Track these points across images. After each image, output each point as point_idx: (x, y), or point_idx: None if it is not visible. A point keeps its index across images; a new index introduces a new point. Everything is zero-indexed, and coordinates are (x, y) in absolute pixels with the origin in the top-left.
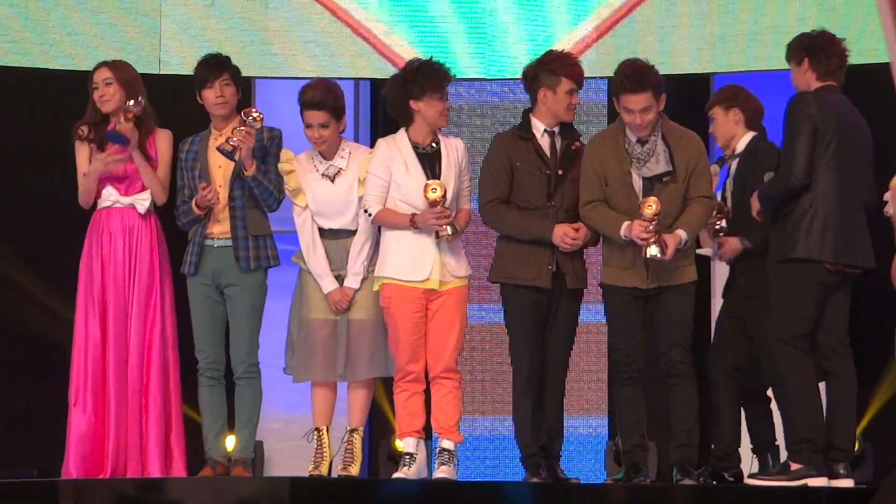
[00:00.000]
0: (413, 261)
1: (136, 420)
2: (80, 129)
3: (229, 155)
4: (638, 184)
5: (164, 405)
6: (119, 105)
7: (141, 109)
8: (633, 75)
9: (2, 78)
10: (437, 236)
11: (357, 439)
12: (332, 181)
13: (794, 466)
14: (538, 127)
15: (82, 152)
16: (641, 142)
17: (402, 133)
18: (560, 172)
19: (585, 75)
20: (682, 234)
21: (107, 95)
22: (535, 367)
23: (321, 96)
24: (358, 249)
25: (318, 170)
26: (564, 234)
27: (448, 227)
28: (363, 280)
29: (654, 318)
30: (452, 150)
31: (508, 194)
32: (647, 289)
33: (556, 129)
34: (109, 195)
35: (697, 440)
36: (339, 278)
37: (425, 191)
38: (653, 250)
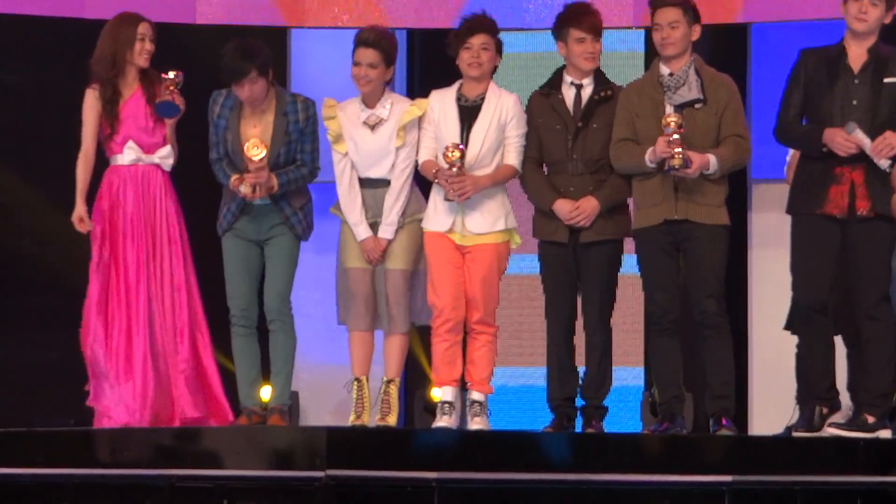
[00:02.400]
0: (439, 211)
1: (166, 373)
2: (98, 84)
3: (171, 110)
4: (670, 112)
5: (195, 354)
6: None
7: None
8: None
9: (42, 27)
10: (446, 198)
11: (393, 390)
12: (373, 130)
13: (871, 419)
14: (566, 80)
15: (92, 103)
16: (672, 74)
17: (455, 85)
18: (580, 124)
19: (623, 25)
20: (710, 157)
21: (150, 52)
22: (563, 320)
23: (376, 37)
24: (392, 200)
25: (359, 118)
26: (562, 209)
27: (455, 194)
28: (397, 230)
29: (686, 266)
30: (495, 106)
31: (539, 152)
32: (678, 222)
33: (585, 82)
34: (131, 152)
35: (733, 390)
36: (375, 226)
37: (445, 153)
38: (676, 161)
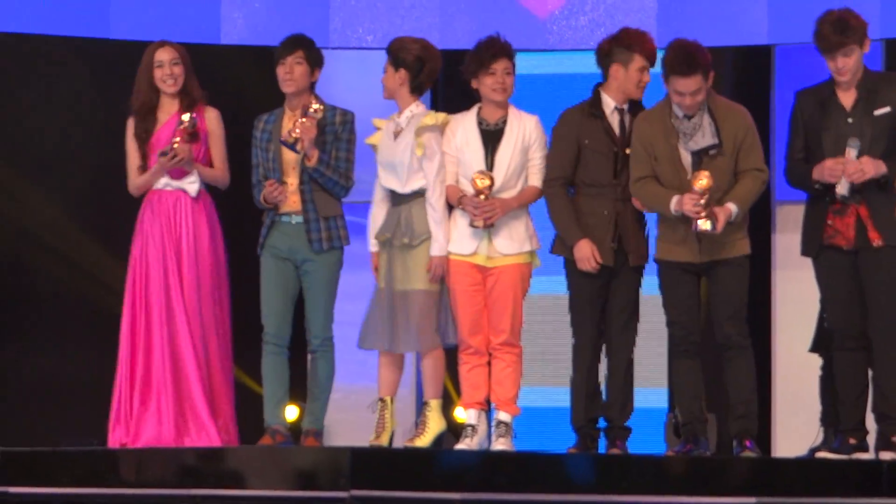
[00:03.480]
0: (463, 235)
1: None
2: (133, 115)
3: (291, 147)
4: (686, 159)
5: (210, 378)
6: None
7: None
8: (684, 59)
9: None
10: (472, 224)
11: (428, 411)
12: (395, 138)
13: None
14: (608, 104)
15: (130, 135)
16: (688, 117)
17: (474, 109)
18: (627, 151)
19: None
20: (732, 207)
21: (175, 76)
22: (591, 342)
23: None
24: (439, 217)
25: (389, 126)
26: (584, 259)
27: (481, 220)
28: (415, 250)
29: (709, 291)
30: (518, 129)
31: (573, 173)
32: (700, 263)
33: (626, 107)
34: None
35: (756, 411)
36: (387, 242)
37: (474, 180)
38: (703, 224)
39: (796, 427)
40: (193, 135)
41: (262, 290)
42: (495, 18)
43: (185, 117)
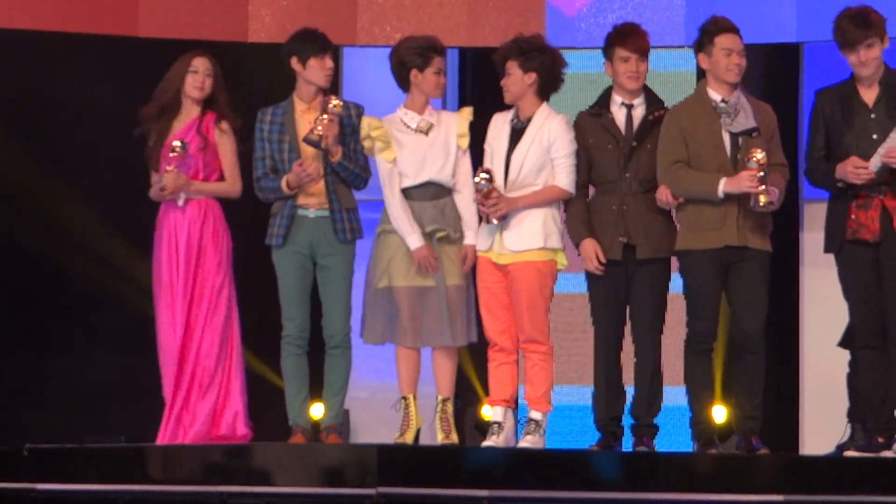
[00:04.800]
0: (482, 231)
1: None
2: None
3: (316, 144)
4: (727, 141)
5: (221, 380)
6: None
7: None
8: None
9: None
10: (485, 221)
11: (450, 408)
12: (426, 134)
13: None
14: (615, 100)
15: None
16: (725, 101)
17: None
18: (634, 143)
19: (674, 44)
20: (774, 190)
21: (205, 85)
22: (611, 338)
23: (440, 43)
24: (471, 210)
25: (408, 126)
26: (586, 258)
27: (485, 216)
28: (446, 245)
29: (732, 287)
30: (539, 127)
31: (587, 174)
32: (735, 247)
33: (636, 102)
34: None
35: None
36: (427, 236)
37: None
38: (763, 198)
39: (824, 425)
40: (184, 158)
41: (282, 288)
42: (523, 16)
43: (177, 143)
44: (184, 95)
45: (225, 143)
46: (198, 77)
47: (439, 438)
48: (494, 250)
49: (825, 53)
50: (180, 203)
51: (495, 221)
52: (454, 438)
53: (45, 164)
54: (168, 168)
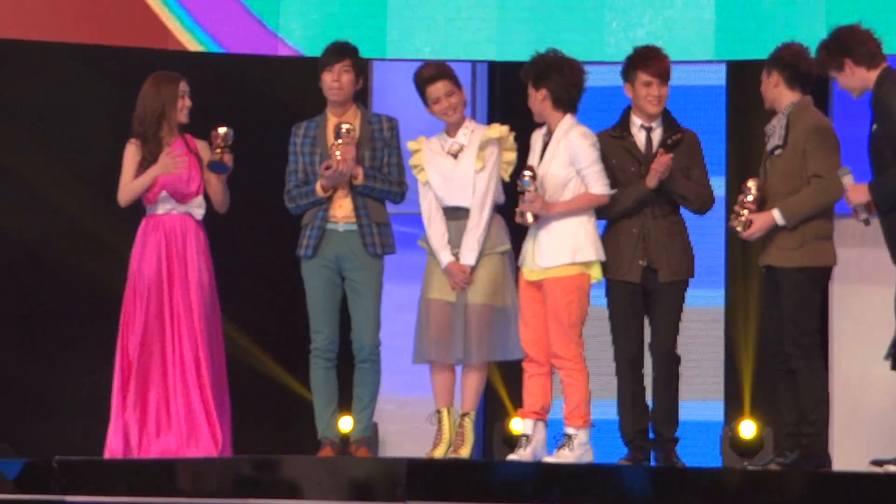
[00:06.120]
0: (523, 246)
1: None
2: (140, 140)
3: (217, 167)
4: (769, 162)
5: (201, 399)
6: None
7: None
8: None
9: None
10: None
11: (468, 423)
12: (456, 157)
13: None
14: (635, 122)
15: (133, 154)
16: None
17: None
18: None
19: (704, 59)
20: (773, 213)
21: (188, 107)
22: (631, 356)
23: (436, 69)
24: (472, 225)
25: (443, 148)
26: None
27: (528, 213)
28: (479, 261)
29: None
30: (557, 141)
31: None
32: (768, 266)
33: (654, 125)
34: (166, 201)
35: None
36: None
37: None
38: (738, 225)
39: (854, 441)
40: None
41: (310, 301)
42: (553, 30)
43: (223, 130)
44: (169, 120)
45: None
46: (185, 101)
47: (448, 451)
48: (527, 267)
49: None
50: (199, 217)
51: (530, 220)
52: (462, 454)
53: (66, 173)
54: (218, 150)
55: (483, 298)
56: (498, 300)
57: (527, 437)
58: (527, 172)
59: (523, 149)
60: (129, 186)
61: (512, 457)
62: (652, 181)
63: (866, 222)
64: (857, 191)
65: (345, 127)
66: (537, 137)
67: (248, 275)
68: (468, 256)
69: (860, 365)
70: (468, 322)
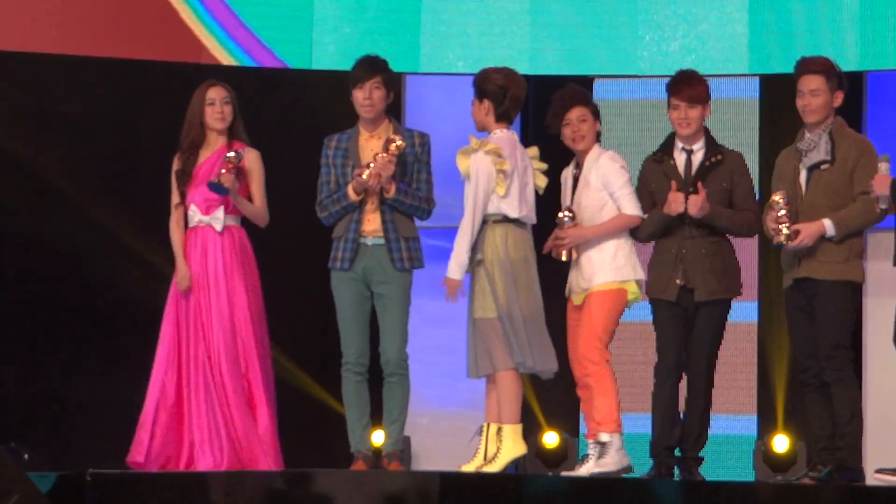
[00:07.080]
0: (569, 276)
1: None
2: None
3: (219, 189)
4: (803, 176)
5: (245, 410)
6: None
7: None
8: (808, 59)
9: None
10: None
11: (497, 436)
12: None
13: None
14: (677, 145)
15: (174, 165)
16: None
17: None
18: (691, 189)
19: (738, 72)
20: (824, 222)
21: (225, 114)
22: (666, 373)
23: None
24: (457, 237)
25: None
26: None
27: (563, 252)
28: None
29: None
30: (588, 171)
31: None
32: (804, 279)
33: (696, 146)
34: (194, 214)
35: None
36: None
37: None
38: (783, 238)
39: (887, 455)
40: (238, 169)
41: (340, 315)
42: (586, 44)
43: (231, 154)
44: (207, 127)
45: (254, 171)
46: (216, 108)
47: (477, 466)
48: (573, 294)
49: (889, 82)
50: (219, 228)
51: (564, 258)
52: (489, 468)
53: (108, 185)
54: (222, 172)
55: (480, 312)
56: (478, 312)
57: (602, 444)
58: (567, 213)
59: (555, 165)
60: (173, 240)
61: (593, 470)
62: (670, 209)
63: (883, 212)
64: (881, 181)
65: (395, 143)
66: (567, 175)
67: (281, 287)
68: (452, 269)
69: (893, 379)
70: (472, 337)
